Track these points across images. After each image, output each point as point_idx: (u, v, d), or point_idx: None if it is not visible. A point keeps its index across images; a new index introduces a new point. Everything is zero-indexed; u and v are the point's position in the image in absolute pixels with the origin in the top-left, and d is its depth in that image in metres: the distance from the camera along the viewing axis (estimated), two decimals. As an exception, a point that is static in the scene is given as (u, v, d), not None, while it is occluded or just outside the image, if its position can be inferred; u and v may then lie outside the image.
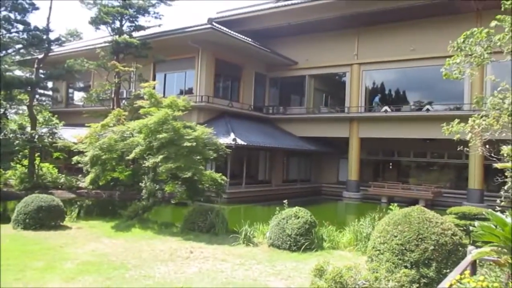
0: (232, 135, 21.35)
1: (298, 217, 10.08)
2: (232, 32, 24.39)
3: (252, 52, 27.01)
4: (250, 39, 25.97)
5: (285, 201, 11.37)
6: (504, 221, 4.35)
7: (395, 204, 9.55)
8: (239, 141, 21.06)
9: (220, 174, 14.64)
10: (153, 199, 13.87)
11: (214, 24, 23.06)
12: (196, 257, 9.08)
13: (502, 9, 7.51)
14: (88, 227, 12.33)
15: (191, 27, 23.22)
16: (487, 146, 7.80)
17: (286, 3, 25.71)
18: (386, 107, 25.89)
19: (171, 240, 10.88)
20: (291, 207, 10.59)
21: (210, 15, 24.95)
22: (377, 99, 26.95)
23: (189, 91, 25.26)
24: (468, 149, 8.36)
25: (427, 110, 24.65)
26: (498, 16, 7.43)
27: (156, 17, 23.93)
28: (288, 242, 9.87)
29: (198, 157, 13.58)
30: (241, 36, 25.11)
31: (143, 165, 13.70)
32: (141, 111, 15.37)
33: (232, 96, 27.32)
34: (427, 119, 23.42)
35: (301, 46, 28.78)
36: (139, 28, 23.69)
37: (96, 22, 23.00)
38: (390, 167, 30.62)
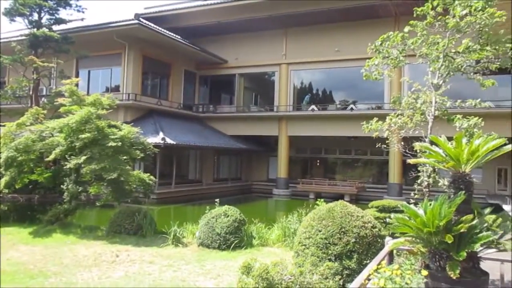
0: (161, 134, 20.86)
1: (228, 216, 10.12)
2: (160, 28, 23.84)
3: (181, 49, 26.62)
4: (179, 37, 25.56)
5: (216, 200, 11.35)
6: (416, 213, 4.64)
7: (322, 200, 9.86)
8: (168, 140, 20.64)
9: (148, 174, 14.23)
10: (76, 202, 13.24)
11: (142, 20, 22.41)
12: (123, 261, 8.79)
13: (415, 15, 8.04)
14: (3, 234, 11.45)
15: (116, 22, 22.36)
16: (403, 143, 8.31)
17: (214, 1, 25.59)
18: (313, 106, 26.74)
19: (96, 244, 10.44)
20: (222, 206, 10.60)
21: (139, 11, 24.24)
22: (307, 98, 27.75)
23: (116, 89, 24.36)
24: (386, 146, 8.83)
25: (351, 109, 25.83)
26: (411, 22, 7.96)
27: (78, 11, 22.68)
28: (218, 241, 9.88)
29: (124, 157, 13.17)
30: (169, 33, 24.61)
31: (65, 166, 13.00)
32: (62, 109, 14.57)
33: (160, 94, 26.73)
34: (351, 118, 24.39)
35: (231, 45, 28.87)
36: (60, 21, 22.32)
37: (11, 13, 21.27)
38: (318, 164, 31.66)
